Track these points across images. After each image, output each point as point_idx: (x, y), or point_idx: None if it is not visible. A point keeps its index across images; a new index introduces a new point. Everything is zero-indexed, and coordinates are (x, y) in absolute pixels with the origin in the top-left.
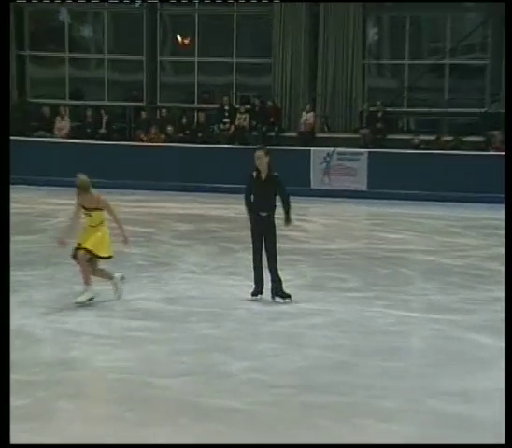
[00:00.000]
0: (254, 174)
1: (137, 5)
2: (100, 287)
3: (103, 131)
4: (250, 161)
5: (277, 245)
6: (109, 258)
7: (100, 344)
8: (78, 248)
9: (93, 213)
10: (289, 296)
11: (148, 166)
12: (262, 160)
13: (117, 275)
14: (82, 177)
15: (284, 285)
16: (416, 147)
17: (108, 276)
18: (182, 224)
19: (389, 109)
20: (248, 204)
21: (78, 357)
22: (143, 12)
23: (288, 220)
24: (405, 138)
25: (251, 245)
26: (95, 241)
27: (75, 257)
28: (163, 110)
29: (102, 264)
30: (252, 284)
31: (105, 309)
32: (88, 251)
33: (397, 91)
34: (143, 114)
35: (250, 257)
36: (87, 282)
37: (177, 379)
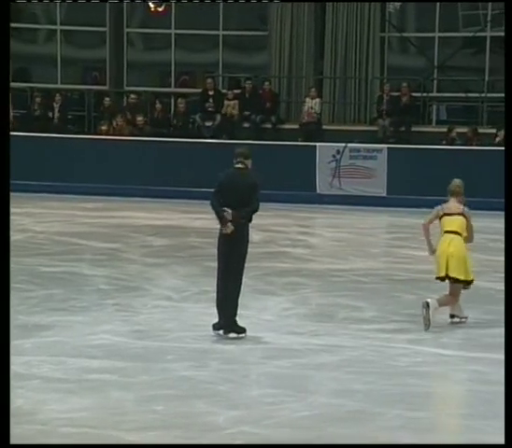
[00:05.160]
0: (228, 176)
1: None
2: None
3: (55, 121)
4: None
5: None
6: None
7: (52, 390)
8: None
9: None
10: (244, 330)
11: (112, 166)
12: (246, 162)
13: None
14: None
15: (284, 314)
16: (449, 142)
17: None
18: (156, 238)
19: (415, 94)
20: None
21: (23, 406)
22: None
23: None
24: (434, 131)
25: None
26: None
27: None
28: (132, 96)
29: None
30: (243, 312)
31: (58, 346)
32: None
33: (425, 72)
34: (106, 100)
35: (244, 279)
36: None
37: (150, 433)
